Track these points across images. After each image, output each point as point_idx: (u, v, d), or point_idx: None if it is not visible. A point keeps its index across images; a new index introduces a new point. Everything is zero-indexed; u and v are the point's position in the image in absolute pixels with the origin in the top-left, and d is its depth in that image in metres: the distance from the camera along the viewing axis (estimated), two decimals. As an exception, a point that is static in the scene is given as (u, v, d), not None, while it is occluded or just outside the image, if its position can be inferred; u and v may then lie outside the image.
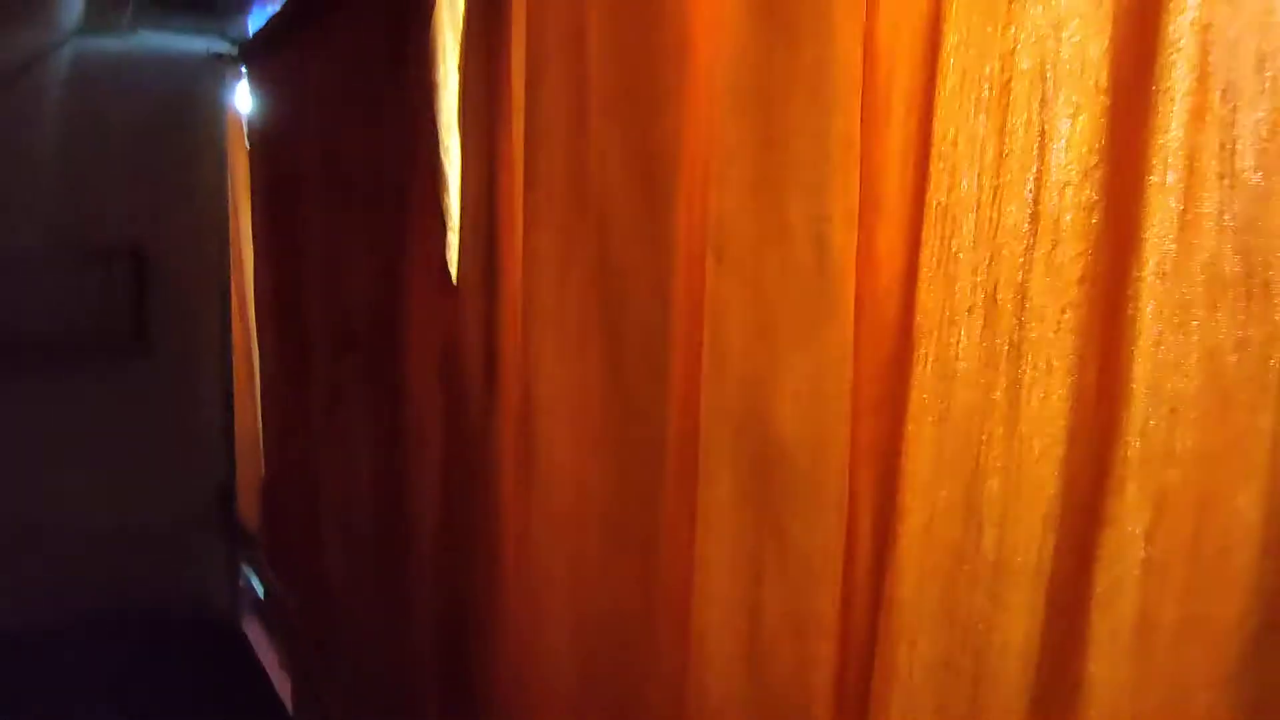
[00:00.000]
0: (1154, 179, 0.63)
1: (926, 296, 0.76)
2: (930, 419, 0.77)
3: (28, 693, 2.34)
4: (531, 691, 1.41)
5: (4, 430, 2.68)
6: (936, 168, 0.74)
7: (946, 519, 0.80)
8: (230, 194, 2.96)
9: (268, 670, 2.71)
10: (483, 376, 1.43)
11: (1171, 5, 0.62)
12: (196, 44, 2.88)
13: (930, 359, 0.77)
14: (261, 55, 2.63)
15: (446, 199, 1.58)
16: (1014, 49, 0.70)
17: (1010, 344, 0.72)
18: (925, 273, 0.76)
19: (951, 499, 0.79)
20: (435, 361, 1.63)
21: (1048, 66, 0.69)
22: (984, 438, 0.75)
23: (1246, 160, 0.61)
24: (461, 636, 1.63)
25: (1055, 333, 0.71)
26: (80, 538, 2.79)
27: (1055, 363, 0.71)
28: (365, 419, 2.02)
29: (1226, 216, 0.62)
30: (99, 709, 2.30)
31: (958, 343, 0.75)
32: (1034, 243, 0.70)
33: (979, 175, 0.72)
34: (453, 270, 1.58)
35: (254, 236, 2.71)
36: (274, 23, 2.51)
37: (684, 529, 1.05)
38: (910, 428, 0.79)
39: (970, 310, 0.74)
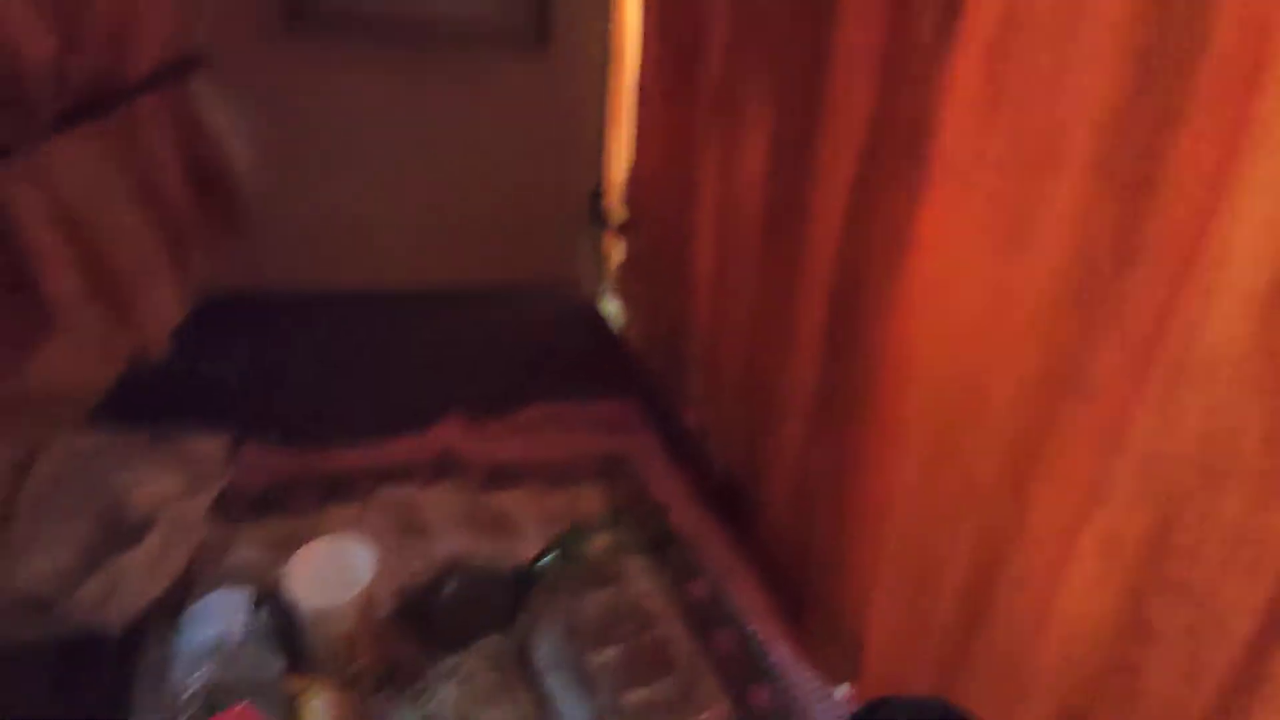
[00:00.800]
0: None
1: None
2: None
3: (403, 349, 2.60)
4: (933, 373, 1.39)
5: (403, 115, 2.92)
6: None
7: None
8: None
9: (624, 344, 2.93)
10: (940, 17, 1.32)
11: None
12: None
13: None
14: None
15: None
16: None
17: None
18: None
19: None
20: (869, 28, 1.53)
21: None
22: None
23: None
24: (853, 318, 1.62)
25: None
26: (462, 219, 3.08)
27: None
28: (762, 110, 1.99)
29: None
30: (475, 369, 2.54)
31: None
32: None
33: None
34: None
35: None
36: None
37: (1213, 147, 0.92)
38: None
39: None
